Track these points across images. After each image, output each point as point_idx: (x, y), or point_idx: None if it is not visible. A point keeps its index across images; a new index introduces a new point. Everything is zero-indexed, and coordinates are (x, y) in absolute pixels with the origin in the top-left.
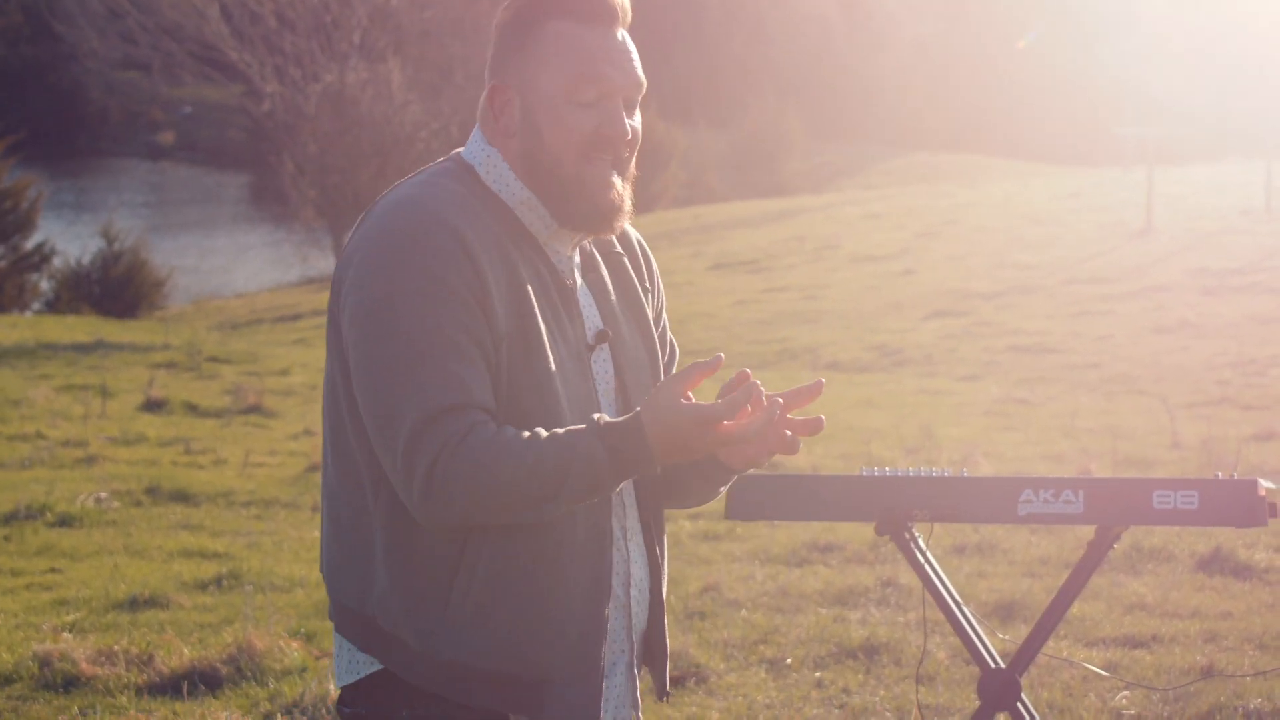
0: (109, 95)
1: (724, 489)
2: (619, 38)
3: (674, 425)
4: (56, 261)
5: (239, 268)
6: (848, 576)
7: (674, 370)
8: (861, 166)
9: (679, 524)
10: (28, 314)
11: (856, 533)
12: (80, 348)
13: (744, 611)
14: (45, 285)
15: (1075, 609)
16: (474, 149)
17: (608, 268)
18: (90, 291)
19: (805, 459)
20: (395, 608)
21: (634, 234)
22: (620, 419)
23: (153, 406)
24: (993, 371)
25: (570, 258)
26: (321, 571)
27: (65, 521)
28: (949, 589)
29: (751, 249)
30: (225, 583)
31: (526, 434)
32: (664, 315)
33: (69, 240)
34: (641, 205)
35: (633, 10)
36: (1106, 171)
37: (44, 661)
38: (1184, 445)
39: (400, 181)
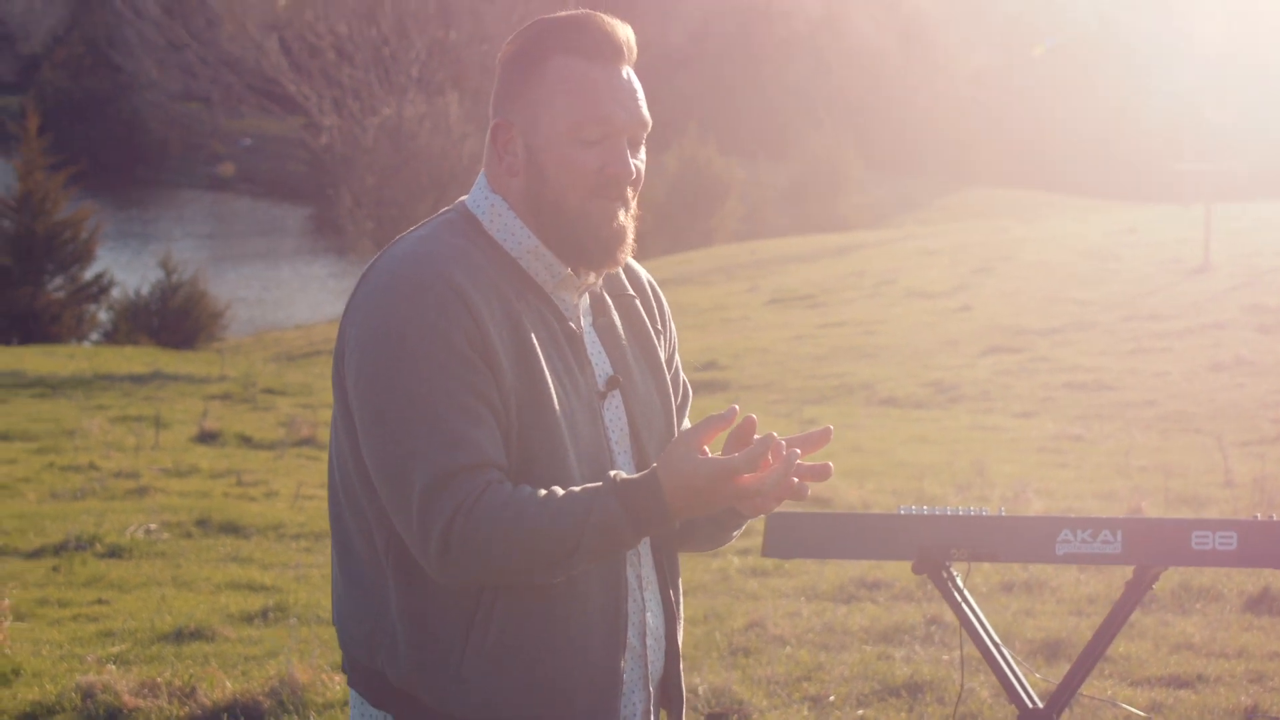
0: (169, 127)
1: (736, 534)
2: (624, 75)
3: (691, 481)
4: (115, 292)
5: (301, 299)
6: (894, 614)
7: (686, 413)
8: (919, 201)
9: (727, 559)
10: (86, 344)
11: (904, 569)
12: (137, 379)
13: (788, 648)
14: (104, 316)
15: (1121, 648)
16: (478, 196)
17: (618, 311)
18: (149, 322)
19: (855, 494)
20: (408, 664)
21: (645, 275)
22: (637, 476)
23: (206, 438)
24: (1048, 408)
25: (578, 304)
26: (334, 622)
27: (115, 553)
28: (987, 628)
29: (808, 284)
30: (271, 615)
31: (543, 493)
32: (676, 357)
33: (128, 271)
34: (699, 240)
35: (689, 46)
36: (1164, 207)
37: (86, 693)
38: (1237, 483)
39: (404, 234)
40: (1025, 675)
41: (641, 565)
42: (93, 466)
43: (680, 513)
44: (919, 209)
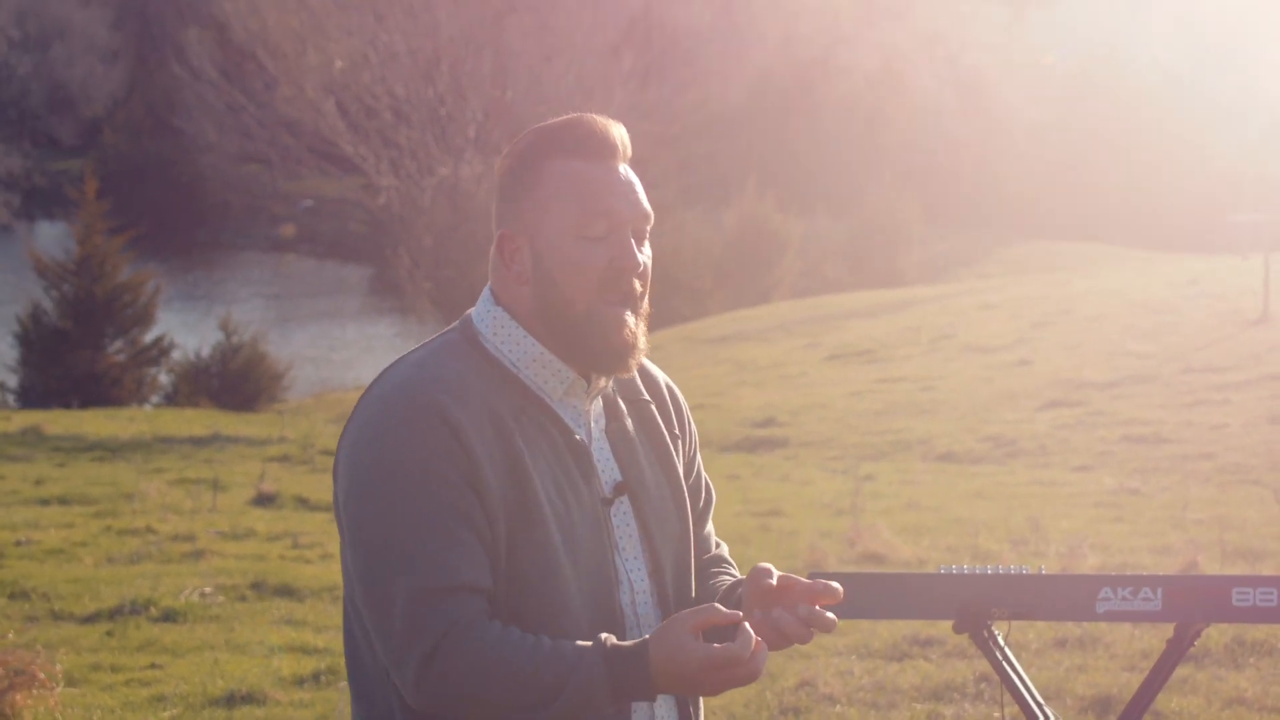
0: (230, 189)
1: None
2: (621, 171)
3: (682, 664)
4: (176, 355)
5: (365, 359)
6: (945, 671)
7: (710, 515)
8: (978, 255)
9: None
10: (147, 407)
11: None
12: (196, 441)
13: (839, 707)
14: (165, 379)
15: (1174, 703)
16: (482, 311)
17: (633, 416)
18: (209, 384)
19: (910, 551)
20: None
21: (662, 378)
22: (628, 645)
23: (263, 500)
24: (1106, 462)
25: (588, 410)
26: None
27: (169, 617)
28: (1029, 686)
29: (867, 339)
30: (324, 678)
31: (531, 640)
32: (698, 460)
33: (189, 333)
34: (757, 296)
35: (748, 103)
36: (1224, 259)
37: None
38: None
39: (403, 357)
40: None
41: None
42: (150, 530)
43: (664, 689)
44: (978, 263)
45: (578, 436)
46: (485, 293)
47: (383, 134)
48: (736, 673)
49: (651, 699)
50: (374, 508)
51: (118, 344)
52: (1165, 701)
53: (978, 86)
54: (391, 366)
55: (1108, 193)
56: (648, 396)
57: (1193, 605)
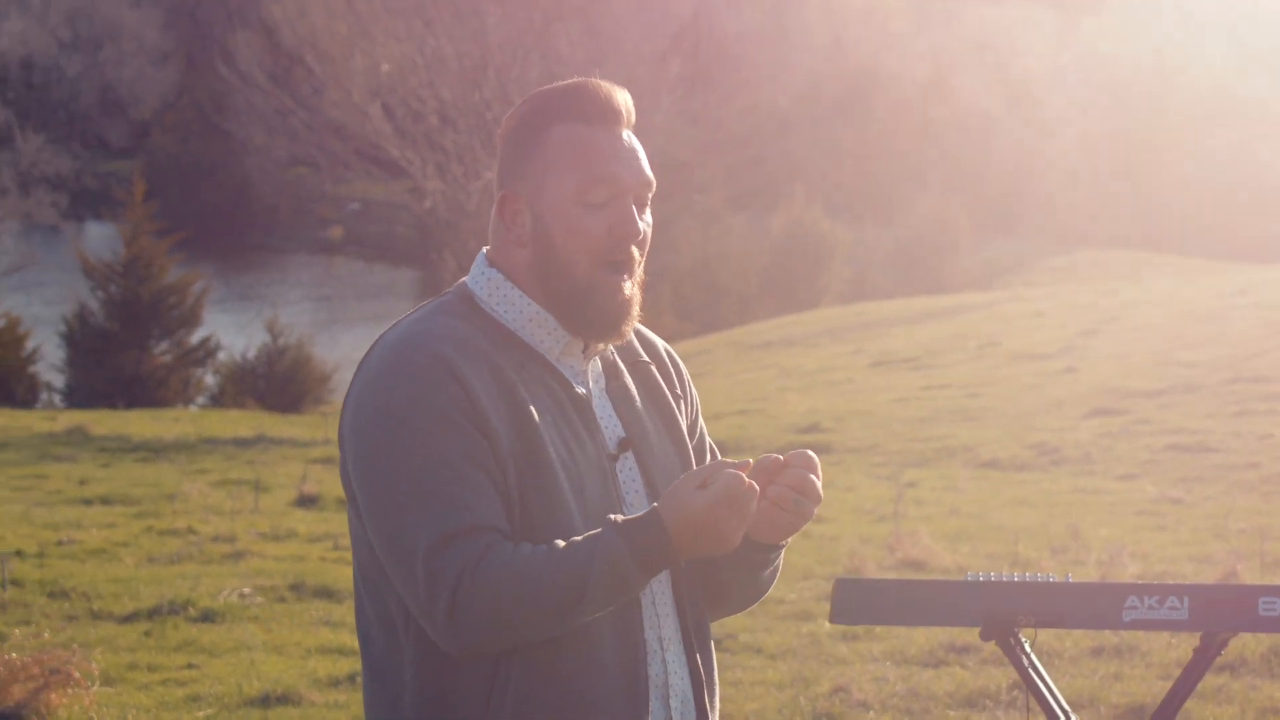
0: (278, 192)
1: (766, 574)
2: (625, 138)
3: (691, 509)
4: (221, 356)
5: None
6: (981, 678)
7: None
8: (1027, 263)
9: (818, 624)
10: (192, 408)
11: None
12: (240, 442)
13: (872, 713)
14: (210, 380)
15: (1209, 712)
16: (476, 274)
17: (633, 376)
18: (255, 386)
19: (950, 558)
20: None
21: (661, 343)
22: (637, 515)
23: (305, 502)
24: (1150, 471)
25: (586, 370)
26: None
27: (207, 617)
28: (1055, 694)
29: (913, 346)
30: (359, 680)
31: (542, 547)
32: (700, 422)
33: (234, 335)
34: (805, 302)
35: (796, 109)
36: (1274, 269)
37: None
38: None
39: (400, 319)
40: None
41: (662, 626)
42: (191, 530)
43: (685, 544)
44: (1026, 271)
45: (579, 390)
46: (480, 257)
47: (429, 138)
48: (742, 504)
49: (677, 560)
50: (386, 460)
51: (164, 345)
52: (1200, 710)
53: (1027, 94)
54: (387, 330)
55: (1157, 202)
56: (647, 358)
57: (1219, 614)
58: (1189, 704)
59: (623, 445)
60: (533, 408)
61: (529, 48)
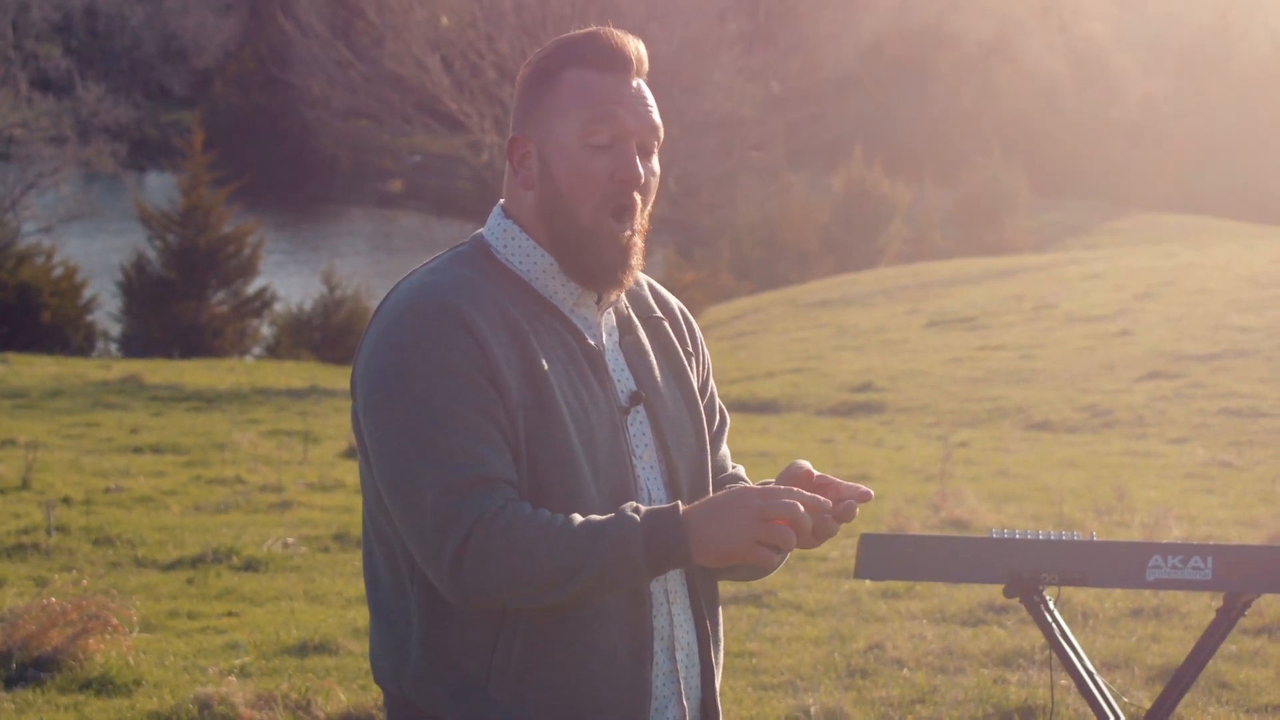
0: (338, 144)
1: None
2: (634, 84)
3: (711, 505)
4: (278, 307)
5: None
6: (1018, 638)
7: (724, 438)
8: (1087, 225)
9: (860, 581)
10: (247, 359)
11: None
12: (294, 393)
13: (905, 670)
14: (266, 331)
15: (1241, 674)
16: (492, 224)
17: (646, 331)
18: (310, 337)
19: (994, 518)
20: (434, 691)
21: (675, 302)
22: (661, 505)
23: (354, 453)
24: (1202, 434)
25: (598, 323)
26: (370, 658)
27: (250, 566)
28: (1079, 652)
29: (969, 307)
30: None
31: (561, 515)
32: (711, 382)
33: (291, 286)
34: (864, 261)
35: (859, 67)
36: None
37: (204, 704)
38: None
39: (416, 268)
40: (1118, 701)
41: (668, 579)
42: (239, 480)
43: (700, 543)
44: (1086, 234)
45: (591, 342)
46: (496, 208)
47: (487, 91)
48: (776, 531)
49: (687, 557)
50: (397, 408)
51: (220, 295)
52: (1234, 673)
53: (1090, 57)
54: (403, 278)
55: (1218, 166)
56: (660, 314)
57: (1243, 575)
58: (1224, 665)
59: (634, 399)
60: (544, 358)
61: (587, 2)
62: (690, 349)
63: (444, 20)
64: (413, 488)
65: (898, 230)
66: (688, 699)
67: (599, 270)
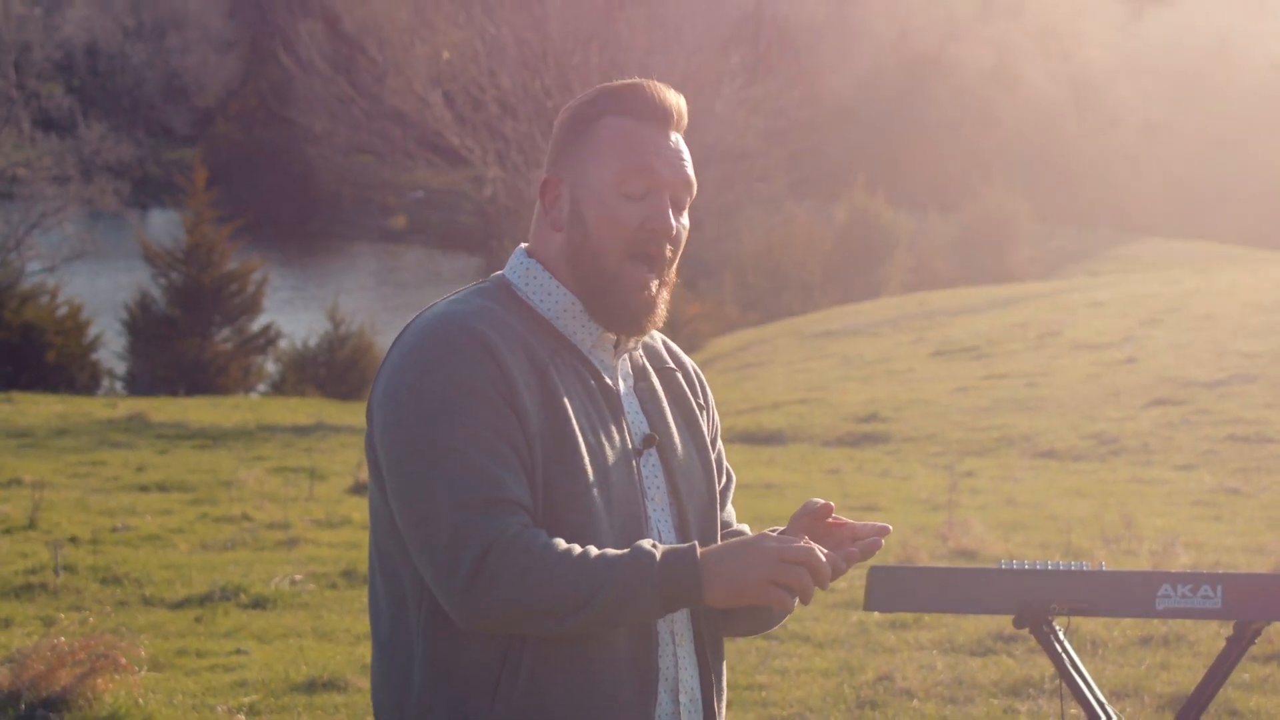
0: (341, 180)
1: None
2: (673, 138)
3: (728, 547)
4: (283, 344)
5: None
6: (1028, 667)
7: (730, 498)
8: (1090, 252)
9: (868, 613)
10: (252, 396)
11: None
12: (299, 430)
13: (915, 701)
14: (271, 367)
15: (1251, 702)
16: (515, 264)
17: (659, 380)
18: (316, 374)
19: (1003, 548)
20: None
21: (689, 361)
22: (680, 547)
23: (361, 489)
24: (1209, 461)
25: (614, 365)
26: (371, 694)
27: (258, 604)
28: (1089, 682)
29: (974, 335)
30: None
31: (578, 547)
32: (719, 442)
33: (296, 323)
34: (868, 291)
35: (858, 97)
36: None
37: None
38: None
39: (435, 302)
40: None
41: (675, 621)
42: (246, 517)
43: (713, 581)
44: (1089, 261)
45: (609, 382)
46: (519, 250)
47: (489, 126)
48: (792, 571)
49: (698, 594)
50: (417, 429)
51: (225, 332)
52: (1245, 700)
53: (1091, 84)
54: (423, 310)
55: (1221, 191)
56: (673, 366)
57: (1253, 603)
58: (1234, 694)
59: (647, 441)
60: (564, 390)
61: (589, 35)
62: (702, 402)
63: (445, 55)
64: (429, 504)
65: (901, 259)
66: None
67: (625, 314)
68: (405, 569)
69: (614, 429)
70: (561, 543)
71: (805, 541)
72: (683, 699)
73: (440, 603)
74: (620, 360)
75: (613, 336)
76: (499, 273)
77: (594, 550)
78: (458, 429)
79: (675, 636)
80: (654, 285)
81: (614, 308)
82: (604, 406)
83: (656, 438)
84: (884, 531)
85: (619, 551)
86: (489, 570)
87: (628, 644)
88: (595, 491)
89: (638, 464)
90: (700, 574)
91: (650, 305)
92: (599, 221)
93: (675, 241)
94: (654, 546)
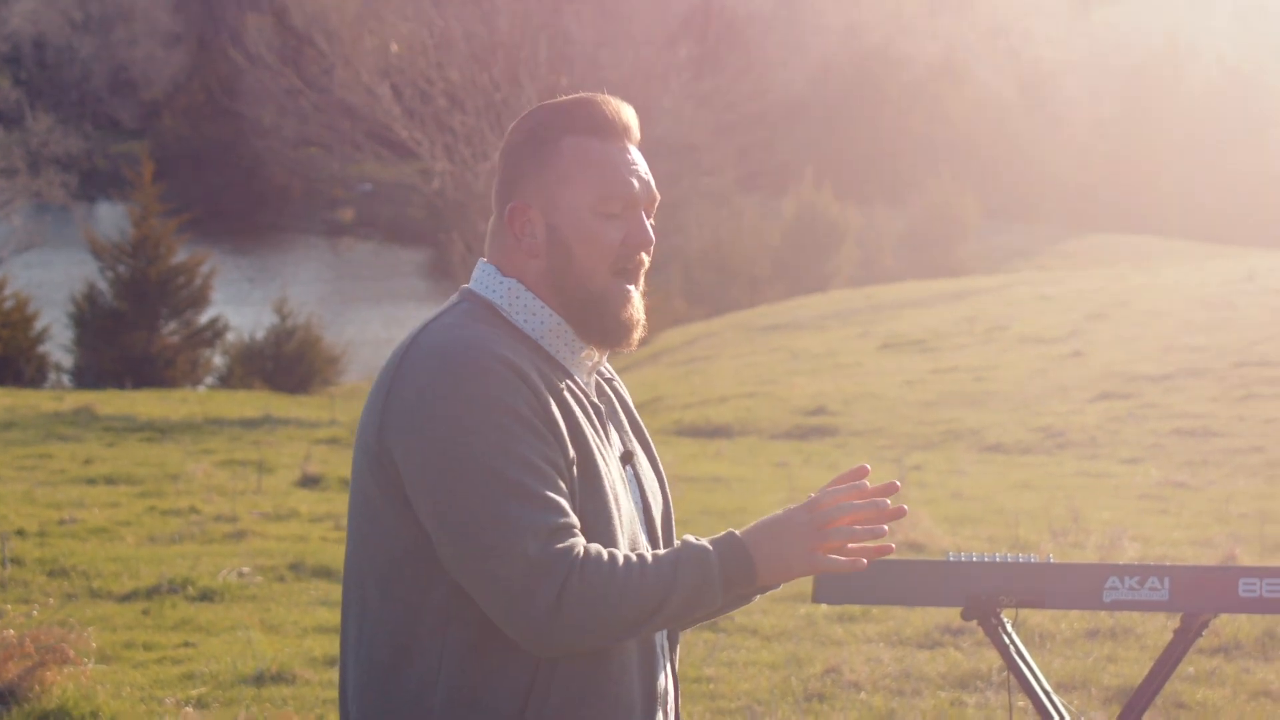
0: (289, 173)
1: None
2: (633, 152)
3: (767, 523)
4: (230, 337)
5: None
6: (975, 660)
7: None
8: (1037, 248)
9: (815, 606)
10: (200, 389)
11: None
12: (247, 423)
13: (863, 694)
14: (218, 360)
15: (1199, 694)
16: (489, 283)
17: (610, 393)
18: (263, 367)
19: (950, 541)
20: None
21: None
22: (719, 536)
23: (308, 482)
24: (1155, 455)
25: (590, 383)
26: (346, 710)
27: (206, 596)
28: (1036, 674)
29: (921, 329)
30: None
31: (634, 555)
32: None
33: (244, 316)
34: (815, 284)
35: (807, 91)
36: None
37: None
38: None
39: (425, 326)
40: None
41: (661, 636)
42: (193, 510)
43: (762, 563)
44: (1036, 256)
45: (596, 400)
46: (487, 267)
47: (438, 119)
48: (831, 535)
49: (753, 574)
50: (471, 463)
51: (172, 325)
52: (1191, 693)
53: (1039, 80)
54: (419, 334)
55: (1167, 187)
56: (610, 375)
57: (1199, 595)
58: (1181, 686)
59: (625, 458)
60: (576, 412)
61: (538, 29)
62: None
63: (394, 47)
64: (500, 538)
65: (849, 254)
66: None
67: (616, 327)
68: (428, 599)
69: (609, 446)
70: (618, 555)
71: (830, 500)
72: (668, 707)
73: (508, 631)
74: (591, 376)
75: (592, 355)
76: (468, 289)
77: (648, 556)
78: (515, 459)
79: (661, 650)
80: (638, 298)
81: (606, 324)
82: (597, 424)
83: (634, 454)
84: (891, 489)
85: (671, 551)
86: (572, 596)
87: (640, 661)
88: (614, 513)
89: (630, 477)
90: (751, 557)
91: (637, 318)
92: (581, 244)
93: (649, 251)
94: (699, 540)
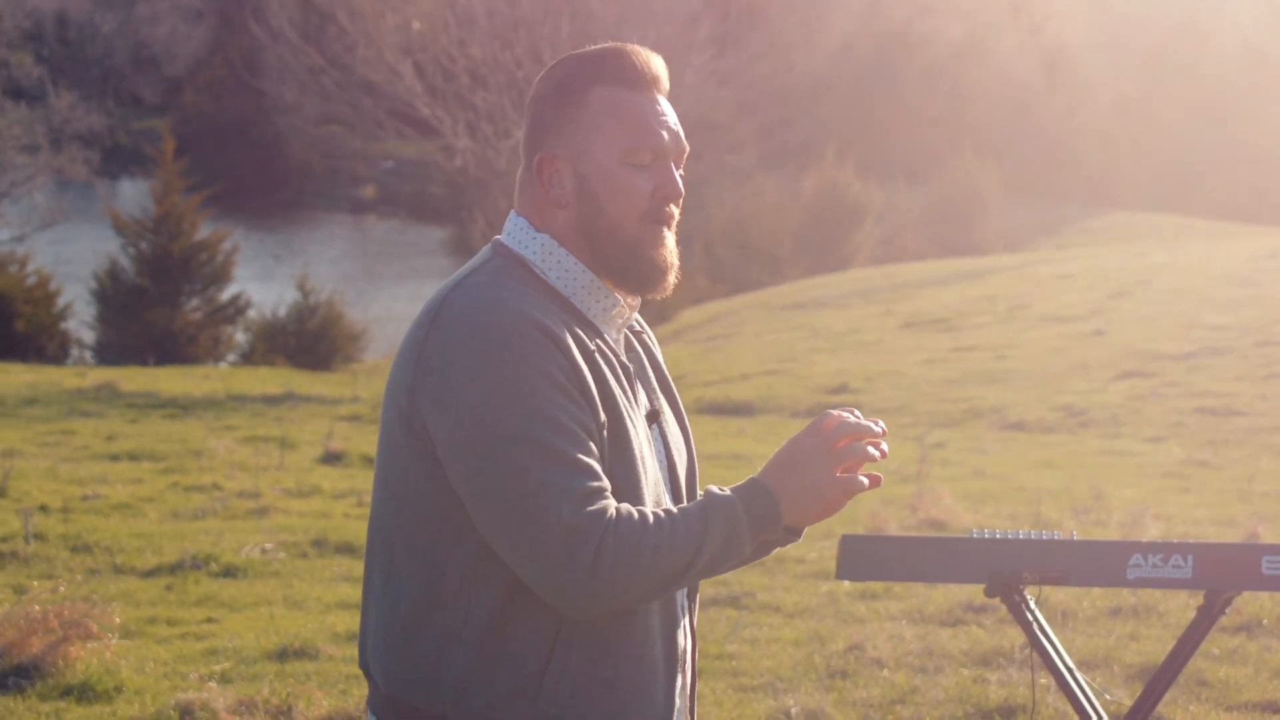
0: (311, 150)
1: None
2: (662, 102)
3: (783, 453)
4: (252, 314)
5: None
6: (997, 637)
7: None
8: (1059, 226)
9: (838, 583)
10: (222, 365)
11: None
12: (269, 400)
13: (885, 670)
14: (240, 337)
15: (1221, 672)
16: (522, 238)
17: (640, 347)
18: (285, 344)
19: (972, 519)
20: (481, 701)
21: (643, 323)
22: (739, 484)
23: (331, 459)
24: (1178, 433)
25: (619, 339)
26: (369, 665)
27: (229, 572)
28: (1059, 650)
29: (943, 308)
30: None
31: (661, 511)
32: None
33: (266, 293)
34: (836, 263)
35: (829, 70)
36: None
37: (185, 710)
38: None
39: (457, 283)
40: (1098, 699)
41: (681, 595)
42: (216, 487)
43: (788, 501)
44: (1058, 234)
45: (624, 359)
46: (519, 220)
47: (459, 97)
48: (847, 452)
49: (778, 516)
50: (504, 428)
51: (194, 302)
52: (1214, 671)
53: (1061, 58)
54: (451, 292)
55: (1190, 165)
56: (641, 328)
57: (1223, 573)
58: (1203, 664)
59: (651, 417)
60: (606, 373)
61: (560, 6)
62: (663, 365)
63: (416, 25)
64: (536, 501)
65: (870, 232)
66: (689, 714)
67: (651, 271)
68: (455, 556)
69: (636, 406)
70: (647, 512)
71: (834, 419)
72: (687, 668)
73: (543, 594)
74: (621, 331)
75: (623, 311)
76: (497, 239)
77: (675, 510)
78: (548, 422)
79: (682, 610)
80: (671, 240)
81: (642, 269)
82: (625, 384)
83: (660, 411)
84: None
85: (696, 505)
86: (607, 558)
87: (662, 621)
88: (641, 474)
89: (655, 435)
90: (776, 498)
91: (671, 260)
92: (611, 195)
93: (679, 202)
94: (723, 490)
